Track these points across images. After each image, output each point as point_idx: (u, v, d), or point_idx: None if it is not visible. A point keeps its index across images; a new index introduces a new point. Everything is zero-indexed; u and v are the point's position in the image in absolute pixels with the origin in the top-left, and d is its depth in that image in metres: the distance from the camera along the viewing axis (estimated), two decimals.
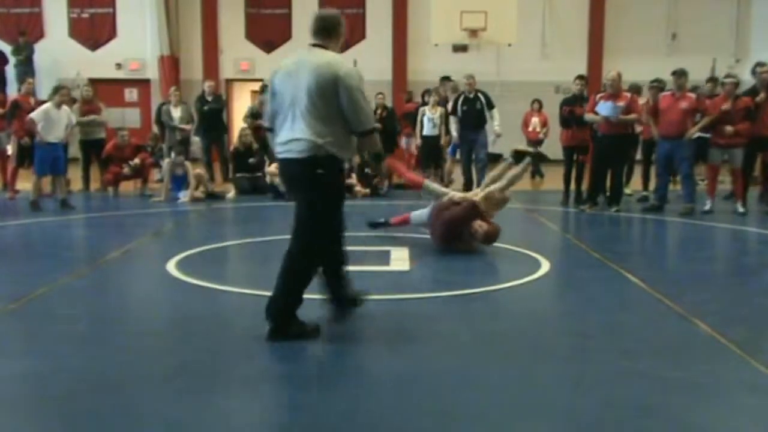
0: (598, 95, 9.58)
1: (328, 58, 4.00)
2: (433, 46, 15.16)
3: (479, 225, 6.58)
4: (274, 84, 4.13)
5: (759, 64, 9.49)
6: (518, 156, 7.35)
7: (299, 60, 4.08)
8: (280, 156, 4.12)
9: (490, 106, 11.07)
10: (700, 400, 3.32)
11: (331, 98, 3.91)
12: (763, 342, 4.15)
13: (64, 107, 9.82)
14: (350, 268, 6.03)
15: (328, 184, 4.05)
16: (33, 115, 9.48)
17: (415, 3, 17.91)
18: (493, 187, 7.02)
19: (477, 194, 7.07)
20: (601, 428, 3.02)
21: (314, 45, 4.10)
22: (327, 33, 4.12)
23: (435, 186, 7.46)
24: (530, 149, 7.93)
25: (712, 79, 11.04)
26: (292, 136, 3.98)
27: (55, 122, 9.48)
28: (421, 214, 7.21)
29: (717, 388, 3.47)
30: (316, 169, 3.96)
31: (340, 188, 4.27)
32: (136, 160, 11.29)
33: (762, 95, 9.21)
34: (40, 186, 9.74)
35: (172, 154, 10.90)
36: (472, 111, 10.97)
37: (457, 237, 6.65)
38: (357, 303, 4.56)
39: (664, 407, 3.21)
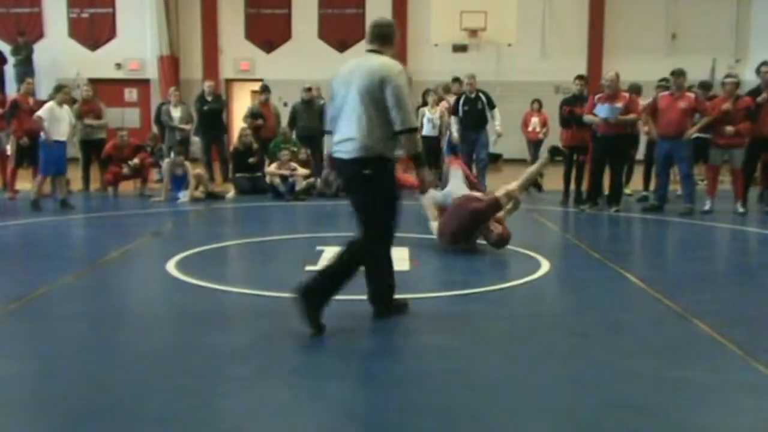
0: (597, 96, 9.57)
1: (380, 61, 4.23)
2: (433, 46, 15.18)
3: (495, 226, 6.56)
4: (332, 88, 4.37)
5: (765, 63, 9.46)
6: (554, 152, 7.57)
7: (355, 65, 4.30)
8: (334, 155, 4.35)
9: (492, 105, 11.07)
10: (700, 400, 3.31)
11: (380, 99, 4.11)
12: (763, 342, 4.15)
13: (65, 106, 9.86)
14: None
15: (377, 183, 4.24)
16: (39, 113, 9.50)
17: (415, 3, 17.92)
18: (513, 184, 6.95)
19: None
20: (601, 428, 3.02)
21: (370, 51, 4.34)
22: (383, 39, 4.36)
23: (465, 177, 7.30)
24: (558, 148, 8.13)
25: (705, 85, 10.84)
26: (344, 136, 4.21)
27: (59, 120, 9.53)
28: (443, 194, 7.00)
29: (717, 388, 3.47)
30: (364, 169, 4.17)
31: (391, 186, 4.39)
32: (136, 160, 11.29)
33: (764, 95, 9.20)
34: (43, 186, 9.75)
35: (172, 154, 10.90)
36: (473, 111, 10.97)
37: (470, 233, 6.59)
38: (393, 310, 4.60)
39: (664, 407, 3.21)
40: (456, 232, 6.59)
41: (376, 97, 4.11)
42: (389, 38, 4.36)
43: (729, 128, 9.10)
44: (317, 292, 4.19)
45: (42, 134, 9.50)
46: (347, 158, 4.21)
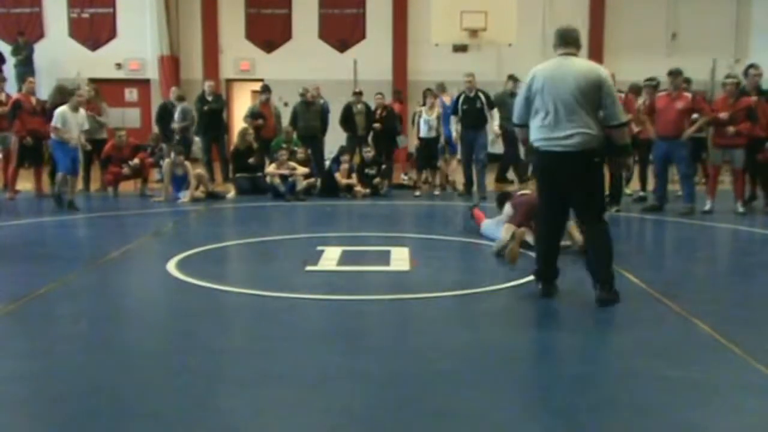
0: None
1: (589, 64, 4.88)
2: (433, 46, 15.14)
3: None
4: (532, 87, 4.84)
5: (752, 66, 9.47)
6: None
7: (559, 67, 4.81)
8: (553, 149, 4.76)
9: (491, 105, 11.06)
10: (700, 400, 3.32)
11: (596, 98, 4.70)
12: (763, 342, 4.15)
13: (81, 110, 9.94)
14: (351, 268, 6.07)
15: (602, 169, 4.91)
16: (53, 123, 9.57)
17: (415, 3, 17.89)
18: None
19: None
20: (600, 428, 3.03)
21: (567, 54, 4.85)
22: (575, 43, 4.90)
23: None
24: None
25: (685, 80, 10.60)
26: (569, 131, 4.69)
27: (71, 126, 9.60)
28: (492, 230, 7.07)
29: (716, 388, 3.47)
30: (594, 158, 4.75)
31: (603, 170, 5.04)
32: (136, 160, 11.28)
33: (754, 98, 9.21)
34: (68, 183, 9.73)
35: (172, 154, 10.90)
36: (472, 110, 10.95)
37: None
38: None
39: (664, 407, 3.21)
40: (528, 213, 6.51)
41: (592, 96, 4.68)
42: (579, 43, 4.91)
43: (730, 129, 9.08)
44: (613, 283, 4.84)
45: (52, 135, 9.61)
46: (578, 150, 4.69)
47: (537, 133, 4.87)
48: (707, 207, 9.32)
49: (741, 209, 9.22)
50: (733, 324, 4.43)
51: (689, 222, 8.76)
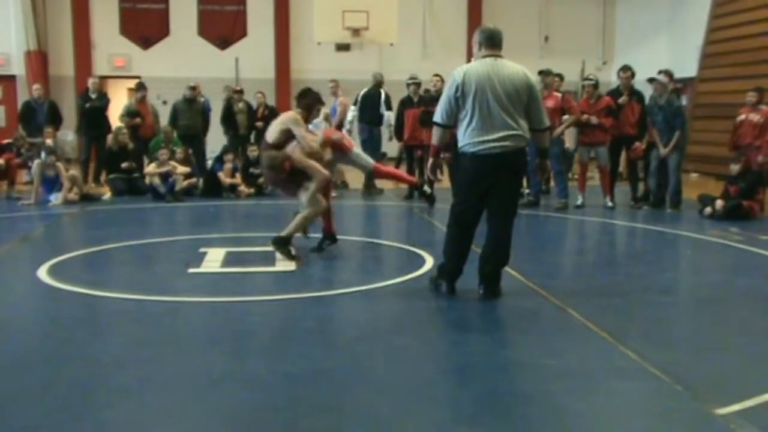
0: None
1: (521, 68, 4.92)
2: (316, 45, 15.14)
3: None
4: (463, 88, 4.76)
5: (623, 69, 10.04)
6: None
7: (493, 68, 4.83)
8: (488, 152, 4.73)
9: (388, 107, 11.35)
10: (575, 385, 3.48)
11: (525, 101, 4.80)
12: (630, 328, 4.42)
13: None
14: (236, 269, 5.97)
15: (525, 168, 5.11)
16: None
17: (297, 1, 17.80)
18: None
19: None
20: (484, 418, 3.12)
21: (494, 55, 4.92)
22: (501, 45, 4.99)
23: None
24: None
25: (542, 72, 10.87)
26: (507, 132, 4.73)
27: None
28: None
29: (589, 373, 3.66)
30: (524, 158, 4.93)
31: None
32: (1, 161, 10.62)
33: (624, 97, 9.78)
34: None
35: (42, 154, 10.32)
36: (374, 106, 11.29)
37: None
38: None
39: (542, 394, 3.35)
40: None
41: (523, 99, 4.78)
42: (502, 44, 4.99)
43: (593, 119, 9.52)
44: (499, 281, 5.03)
45: None
46: (512, 151, 4.75)
47: (468, 137, 4.79)
48: (579, 202, 9.80)
49: (610, 203, 9.76)
50: (603, 312, 4.68)
51: (563, 216, 9.18)
